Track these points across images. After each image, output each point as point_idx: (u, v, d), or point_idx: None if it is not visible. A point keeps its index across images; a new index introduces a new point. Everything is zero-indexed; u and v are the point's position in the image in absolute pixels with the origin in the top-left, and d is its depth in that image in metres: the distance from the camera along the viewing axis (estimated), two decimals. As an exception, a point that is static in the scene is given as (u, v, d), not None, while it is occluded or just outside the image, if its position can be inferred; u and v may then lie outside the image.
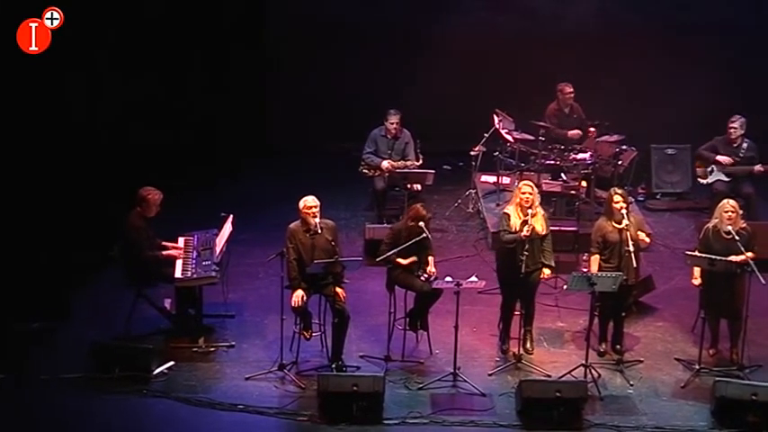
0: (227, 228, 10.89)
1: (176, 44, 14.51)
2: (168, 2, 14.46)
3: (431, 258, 10.39)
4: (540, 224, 10.27)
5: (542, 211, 10.43)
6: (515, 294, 10.40)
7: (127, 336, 10.44)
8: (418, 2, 15.34)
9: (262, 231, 12.15)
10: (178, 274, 10.46)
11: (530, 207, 10.18)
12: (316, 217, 10.06)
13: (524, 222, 10.12)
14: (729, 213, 10.10)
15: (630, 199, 11.07)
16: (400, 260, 10.22)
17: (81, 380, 9.84)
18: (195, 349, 10.41)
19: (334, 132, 14.88)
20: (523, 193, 10.23)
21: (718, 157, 12.86)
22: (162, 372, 10.01)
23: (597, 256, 10.28)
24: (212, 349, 10.45)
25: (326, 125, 15.14)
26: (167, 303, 10.77)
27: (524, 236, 10.07)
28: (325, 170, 14.22)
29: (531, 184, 10.44)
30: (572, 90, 13.65)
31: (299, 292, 10.03)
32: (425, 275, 10.24)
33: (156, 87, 14.36)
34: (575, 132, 13.51)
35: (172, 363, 10.13)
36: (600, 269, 10.17)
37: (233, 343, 10.56)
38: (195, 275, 10.46)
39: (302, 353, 10.20)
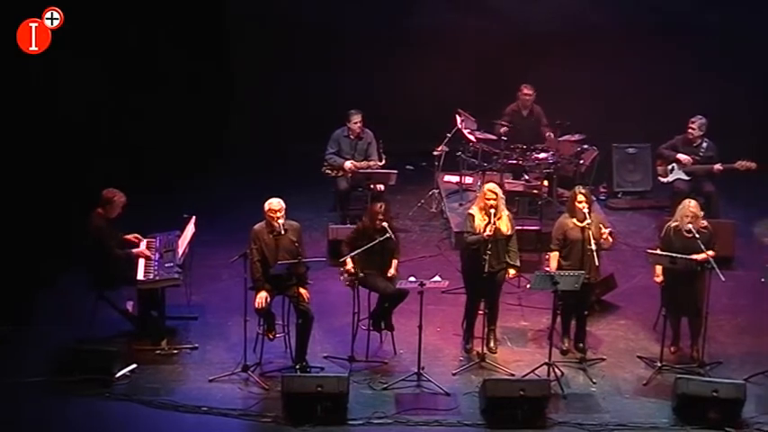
0: (190, 229, 10.85)
1: (137, 44, 14.41)
2: (128, 1, 14.35)
3: (394, 261, 10.39)
4: (504, 225, 10.31)
5: (507, 212, 10.46)
6: (480, 294, 10.42)
7: (89, 338, 10.36)
8: (382, 3, 15.34)
9: (225, 232, 12.10)
10: (140, 276, 10.41)
11: (494, 210, 10.21)
12: (280, 219, 10.04)
13: (488, 223, 10.14)
14: (690, 213, 10.19)
15: (593, 197, 11.14)
16: (348, 262, 10.20)
17: (42, 383, 9.74)
18: (158, 351, 10.36)
19: (297, 133, 14.85)
20: (488, 198, 10.25)
21: (679, 156, 12.97)
22: (124, 374, 9.94)
23: (557, 253, 10.33)
24: (175, 351, 10.40)
25: (289, 125, 15.11)
26: (129, 305, 10.70)
27: (487, 236, 10.10)
28: (288, 171, 14.19)
29: (495, 187, 10.45)
30: (530, 92, 13.68)
31: (263, 294, 10.01)
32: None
33: (117, 88, 14.25)
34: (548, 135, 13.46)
35: (134, 365, 10.07)
36: (560, 267, 10.22)
37: (196, 345, 10.52)
38: (158, 277, 10.41)
39: (266, 354, 10.17)
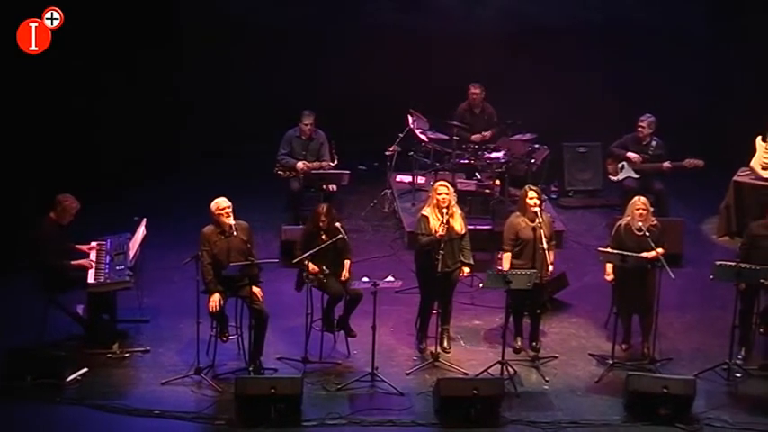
0: (141, 231, 10.78)
1: (88, 45, 14.27)
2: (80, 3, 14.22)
3: (347, 263, 10.38)
4: (458, 224, 10.33)
5: (459, 211, 10.49)
6: (434, 294, 10.43)
7: (39, 342, 10.24)
8: (332, 2, 15.34)
9: (176, 235, 12.02)
10: (91, 279, 10.32)
11: (447, 207, 10.23)
12: (229, 217, 10.00)
13: (442, 222, 10.15)
14: (640, 211, 10.29)
15: (544, 197, 11.20)
16: (310, 264, 10.21)
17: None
18: (109, 355, 10.27)
19: (249, 134, 14.80)
20: (440, 194, 10.26)
21: (629, 154, 13.10)
22: (75, 378, 9.85)
23: (509, 254, 10.36)
24: (127, 355, 10.32)
25: (241, 127, 15.05)
26: (80, 309, 10.60)
27: (440, 235, 10.12)
28: (240, 172, 14.13)
29: (446, 184, 10.48)
30: (478, 91, 13.77)
31: (216, 296, 9.95)
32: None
33: (68, 89, 14.11)
34: (477, 137, 13.63)
35: (86, 369, 9.97)
36: (512, 267, 10.25)
37: (148, 348, 10.44)
38: (108, 280, 10.33)
39: (219, 356, 10.12)
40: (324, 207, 10.38)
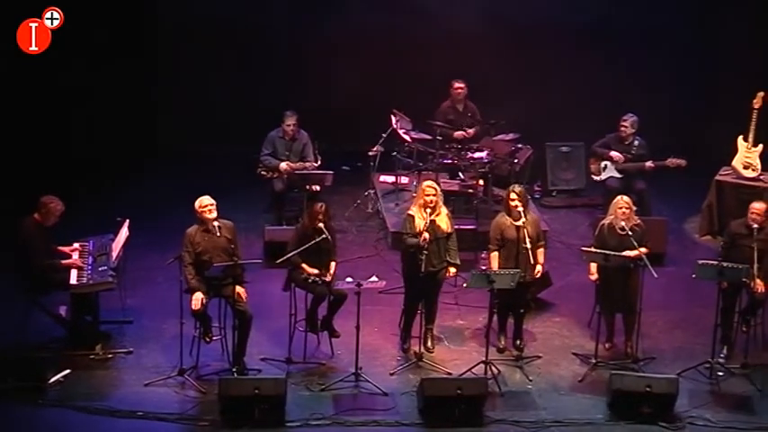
0: (124, 232, 10.75)
1: (66, 45, 14.20)
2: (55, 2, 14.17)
3: (332, 264, 10.36)
4: (444, 223, 10.34)
5: (446, 210, 10.49)
6: (420, 294, 10.43)
7: (21, 344, 10.19)
8: (310, 3, 15.32)
9: (159, 235, 11.99)
10: (73, 280, 10.28)
11: (433, 208, 10.24)
12: (212, 213, 9.99)
13: (429, 223, 10.14)
14: (623, 210, 10.32)
15: (528, 197, 11.21)
16: (305, 267, 10.20)
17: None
18: (92, 356, 10.24)
19: (232, 134, 14.77)
20: (427, 195, 10.27)
21: (612, 153, 13.14)
22: (58, 380, 9.81)
23: (497, 254, 10.39)
24: (110, 356, 10.29)
25: (224, 127, 15.02)
26: (62, 310, 10.56)
27: (424, 239, 10.11)
28: (223, 172, 14.10)
29: (434, 184, 10.49)
30: (461, 87, 13.76)
31: (199, 295, 9.93)
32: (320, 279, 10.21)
33: (48, 89, 14.06)
34: (460, 134, 13.65)
35: (68, 371, 9.93)
36: (500, 266, 10.27)
37: (131, 349, 10.41)
38: (91, 281, 10.30)
39: (203, 357, 10.10)
40: (322, 206, 10.33)
